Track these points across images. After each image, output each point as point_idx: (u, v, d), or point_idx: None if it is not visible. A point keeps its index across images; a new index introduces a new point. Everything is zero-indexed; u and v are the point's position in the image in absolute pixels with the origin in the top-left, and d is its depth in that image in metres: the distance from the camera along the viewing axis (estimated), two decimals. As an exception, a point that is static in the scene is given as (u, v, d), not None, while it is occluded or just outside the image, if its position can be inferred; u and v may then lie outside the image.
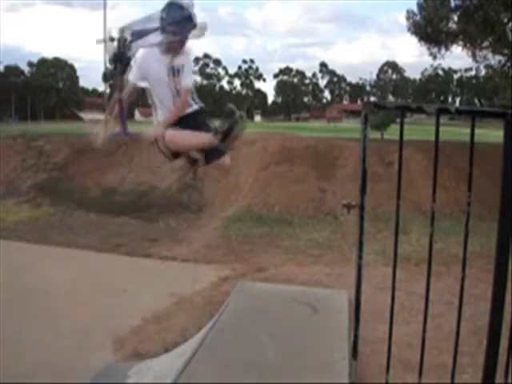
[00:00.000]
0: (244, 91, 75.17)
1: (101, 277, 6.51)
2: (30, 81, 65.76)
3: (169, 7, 2.56)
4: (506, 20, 11.88)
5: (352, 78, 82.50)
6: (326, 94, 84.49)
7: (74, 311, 5.12)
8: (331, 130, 29.13)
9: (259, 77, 78.02)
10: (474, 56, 13.83)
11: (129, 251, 7.99)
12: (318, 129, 31.18)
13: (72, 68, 71.06)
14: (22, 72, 67.92)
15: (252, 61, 77.59)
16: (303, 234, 8.22)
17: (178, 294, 5.31)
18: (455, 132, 16.29)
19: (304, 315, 3.22)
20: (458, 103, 72.78)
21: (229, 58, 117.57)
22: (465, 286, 1.92)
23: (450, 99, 75.01)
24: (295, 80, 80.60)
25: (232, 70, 74.28)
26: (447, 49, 13.91)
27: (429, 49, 14.01)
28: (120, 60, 2.57)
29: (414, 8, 13.52)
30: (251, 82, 75.84)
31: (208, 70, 75.21)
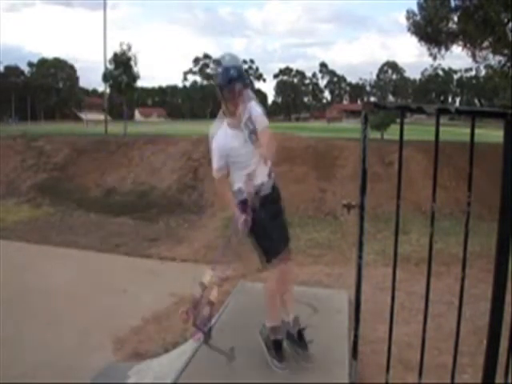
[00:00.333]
0: (244, 91, 75.28)
1: (101, 277, 6.50)
2: (30, 81, 65.80)
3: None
4: (506, 20, 11.88)
5: (352, 78, 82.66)
6: (326, 94, 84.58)
7: (74, 311, 5.12)
8: (331, 130, 29.13)
9: (259, 77, 78.07)
10: (473, 56, 13.83)
11: (129, 251, 7.97)
12: (318, 129, 31.20)
13: (72, 68, 71.14)
14: (22, 72, 67.97)
15: (252, 61, 77.70)
16: (303, 234, 8.19)
17: (178, 294, 5.30)
18: (455, 132, 16.30)
19: (304, 315, 3.22)
20: (457, 103, 72.86)
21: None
22: (465, 286, 1.92)
23: (450, 99, 75.06)
24: (295, 80, 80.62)
25: (232, 70, 74.38)
26: (447, 49, 13.92)
27: (429, 49, 14.01)
28: None
29: (414, 8, 13.57)
30: (251, 82, 76.04)
31: (208, 70, 75.19)
